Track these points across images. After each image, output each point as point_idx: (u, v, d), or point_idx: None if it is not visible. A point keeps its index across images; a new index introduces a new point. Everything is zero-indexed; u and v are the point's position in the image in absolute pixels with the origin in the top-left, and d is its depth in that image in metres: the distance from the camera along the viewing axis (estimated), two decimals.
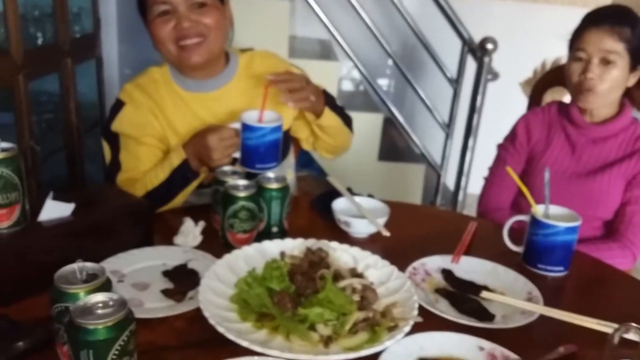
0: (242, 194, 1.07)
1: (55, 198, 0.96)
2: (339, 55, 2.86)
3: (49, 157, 2.20)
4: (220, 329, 0.79)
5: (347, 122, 1.45)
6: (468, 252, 1.14)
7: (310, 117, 1.34)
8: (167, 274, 0.97)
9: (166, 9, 1.22)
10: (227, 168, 1.20)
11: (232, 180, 1.12)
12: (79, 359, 0.65)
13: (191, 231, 1.10)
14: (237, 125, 1.20)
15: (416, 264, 1.06)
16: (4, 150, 0.88)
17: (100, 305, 0.67)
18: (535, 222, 1.12)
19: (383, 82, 3.48)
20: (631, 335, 0.86)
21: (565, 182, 1.42)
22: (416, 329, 0.86)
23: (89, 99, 2.53)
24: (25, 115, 1.91)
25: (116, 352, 0.66)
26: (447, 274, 1.05)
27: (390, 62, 3.42)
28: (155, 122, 1.30)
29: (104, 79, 2.63)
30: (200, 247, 1.09)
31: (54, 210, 0.95)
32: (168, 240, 1.09)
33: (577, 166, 1.44)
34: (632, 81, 1.39)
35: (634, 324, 0.84)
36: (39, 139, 2.02)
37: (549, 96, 1.85)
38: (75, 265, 0.74)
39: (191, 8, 1.23)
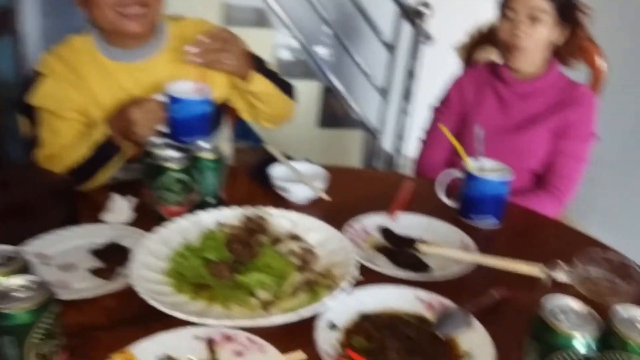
0: (173, 166, 1.03)
1: None
2: (275, 23, 2.80)
3: None
4: (154, 303, 0.76)
5: (286, 89, 1.41)
6: (407, 210, 1.15)
7: (237, 83, 1.29)
8: (95, 252, 0.93)
9: None
10: (157, 139, 1.14)
11: (162, 152, 1.07)
12: None
13: (119, 207, 1.06)
14: (162, 98, 1.15)
15: (355, 223, 1.06)
16: None
17: (19, 288, 0.63)
18: (468, 176, 1.15)
19: (321, 50, 3.44)
20: (560, 275, 0.90)
21: (497, 138, 1.45)
22: (357, 286, 0.86)
23: (7, 77, 2.36)
24: None
25: (39, 336, 0.62)
26: (385, 231, 1.06)
27: (327, 29, 3.39)
28: (76, 95, 1.23)
29: (26, 56, 2.45)
30: (133, 224, 1.05)
31: None
32: (96, 219, 1.04)
33: (506, 122, 1.48)
34: (559, 38, 1.43)
35: (561, 262, 0.88)
36: None
37: (480, 56, 1.88)
38: None
39: None
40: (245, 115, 1.45)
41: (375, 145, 2.77)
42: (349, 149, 2.80)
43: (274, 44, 2.85)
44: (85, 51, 1.25)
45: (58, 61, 1.23)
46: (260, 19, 2.89)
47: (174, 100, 1.14)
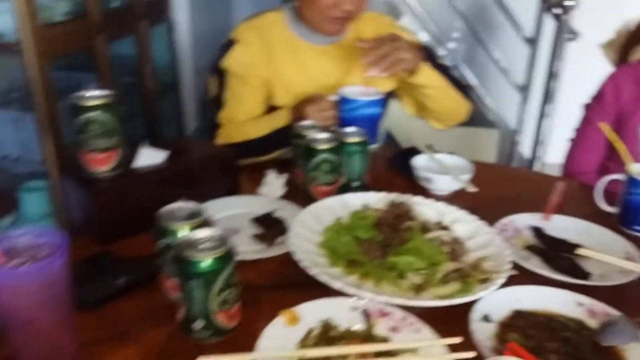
0: (323, 147, 1.07)
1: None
2: (405, 15, 2.78)
3: (128, 120, 2.27)
4: (314, 271, 0.80)
5: (459, 86, 1.38)
6: (558, 212, 1.09)
7: (405, 76, 1.28)
8: (255, 220, 1.00)
9: None
10: (306, 122, 1.20)
11: (312, 134, 1.12)
12: (187, 290, 0.68)
13: (274, 182, 1.12)
14: (335, 97, 1.22)
15: (505, 220, 1.03)
16: (102, 96, 0.91)
17: (206, 239, 0.69)
18: (631, 180, 1.06)
19: (451, 45, 3.35)
20: None
21: None
22: (509, 283, 0.83)
23: (163, 62, 2.59)
24: (107, 76, 1.98)
25: (222, 284, 0.68)
26: (537, 231, 1.02)
27: (458, 24, 3.29)
28: (264, 65, 1.33)
29: (177, 43, 2.68)
30: (285, 198, 1.11)
31: (148, 157, 0.99)
32: (252, 192, 1.11)
33: None
34: None
35: None
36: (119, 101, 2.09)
37: (634, 56, 1.72)
38: (178, 204, 0.77)
39: None
40: (413, 111, 1.46)
41: (512, 148, 2.64)
42: (483, 149, 2.69)
43: None
44: (277, 26, 1.35)
45: (252, 31, 1.34)
46: (391, 11, 2.87)
47: (346, 101, 1.21)
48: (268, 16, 1.37)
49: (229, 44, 1.34)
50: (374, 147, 1.23)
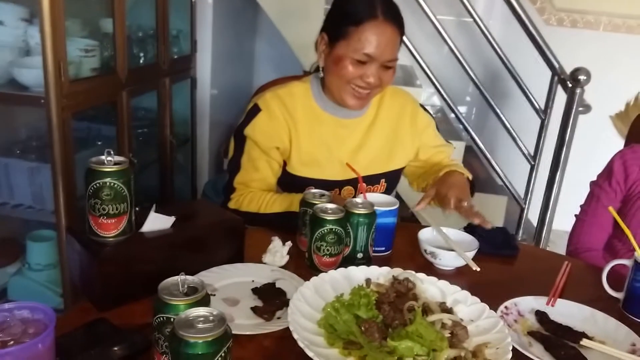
0: (330, 217, 1.08)
1: (156, 211, 1.01)
2: (421, 81, 2.85)
3: (143, 170, 2.33)
4: (310, 353, 0.79)
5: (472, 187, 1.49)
6: (562, 295, 1.08)
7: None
8: (256, 291, 0.99)
9: (364, 60, 1.25)
10: (315, 190, 1.21)
11: (320, 203, 1.13)
12: None
13: (279, 250, 1.12)
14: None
15: (508, 303, 1.02)
16: (116, 163, 0.94)
17: (202, 319, 0.69)
18: (638, 266, 1.05)
19: (462, 110, 3.42)
20: None
21: None
22: None
23: (182, 116, 2.67)
24: (126, 129, 2.04)
25: None
26: (541, 316, 1.00)
27: (469, 89, 3.36)
28: (284, 136, 1.35)
29: (197, 98, 2.76)
30: (285, 267, 1.11)
31: (156, 222, 1.00)
32: (256, 258, 1.12)
33: None
34: None
35: None
36: (135, 152, 2.15)
37: None
38: (178, 278, 0.77)
39: (382, 67, 1.27)
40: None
41: (518, 214, 2.63)
42: (491, 216, 2.68)
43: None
44: (301, 96, 1.38)
45: (277, 101, 1.35)
46: (407, 77, 2.95)
47: None
48: (295, 86, 1.38)
49: (254, 111, 1.35)
50: (386, 254, 1.23)
